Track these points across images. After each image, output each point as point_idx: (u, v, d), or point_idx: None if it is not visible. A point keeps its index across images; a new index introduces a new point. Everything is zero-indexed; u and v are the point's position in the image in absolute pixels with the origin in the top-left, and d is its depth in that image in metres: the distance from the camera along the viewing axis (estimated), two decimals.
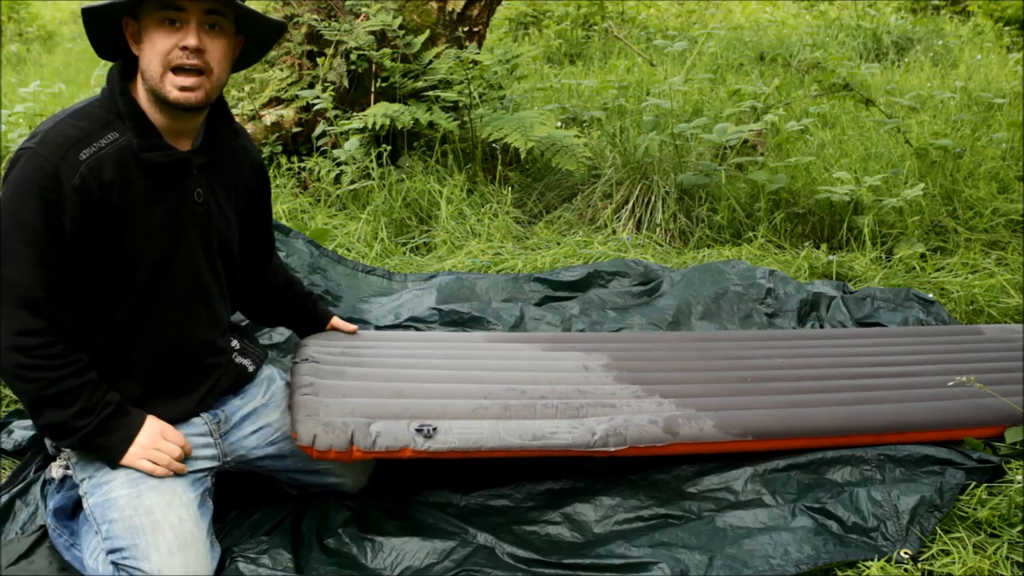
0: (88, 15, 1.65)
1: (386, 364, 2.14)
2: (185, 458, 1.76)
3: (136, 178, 1.65)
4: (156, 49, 1.62)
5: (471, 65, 3.99)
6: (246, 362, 1.95)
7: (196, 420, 1.83)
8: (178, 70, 1.62)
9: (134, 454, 1.68)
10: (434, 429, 1.82)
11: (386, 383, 2.02)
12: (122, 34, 1.68)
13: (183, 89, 1.63)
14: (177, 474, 1.73)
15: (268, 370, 2.03)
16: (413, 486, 2.02)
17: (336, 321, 2.29)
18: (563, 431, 1.88)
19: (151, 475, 1.68)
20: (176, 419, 1.79)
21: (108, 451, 1.68)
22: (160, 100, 1.65)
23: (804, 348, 2.50)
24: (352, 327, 2.30)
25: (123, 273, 1.68)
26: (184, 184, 1.72)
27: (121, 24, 1.67)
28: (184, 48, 1.61)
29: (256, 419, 1.91)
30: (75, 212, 1.59)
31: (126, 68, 1.70)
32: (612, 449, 1.89)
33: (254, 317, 2.22)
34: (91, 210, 1.61)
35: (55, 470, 1.79)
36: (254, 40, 1.79)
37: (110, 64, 1.73)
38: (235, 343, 1.96)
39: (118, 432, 1.68)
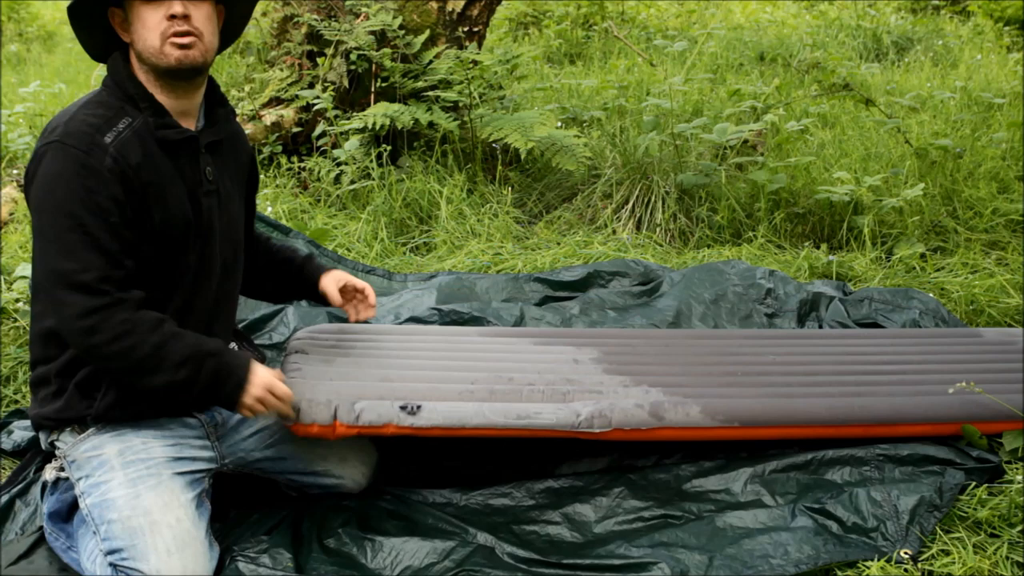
0: (74, 12, 1.70)
1: (375, 354, 2.14)
2: (183, 459, 1.76)
3: (158, 158, 1.70)
4: (148, 25, 1.67)
5: (471, 65, 3.99)
6: None
7: (192, 421, 1.82)
8: (172, 36, 1.67)
9: (242, 403, 1.71)
10: (418, 407, 1.83)
11: (374, 370, 2.02)
12: (110, 29, 1.73)
13: (182, 47, 1.67)
14: (177, 473, 1.73)
15: None
16: (413, 486, 2.02)
17: (335, 279, 2.06)
18: (548, 412, 1.88)
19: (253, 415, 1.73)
20: (174, 413, 1.79)
21: (228, 397, 1.70)
22: (163, 71, 1.69)
23: (798, 347, 2.49)
24: (362, 284, 2.08)
25: (150, 252, 1.70)
26: (196, 163, 1.76)
27: (107, 18, 1.72)
28: (172, 17, 1.66)
29: (254, 422, 1.90)
30: (113, 192, 1.62)
31: (126, 56, 1.75)
32: (596, 430, 1.88)
33: (251, 293, 2.18)
34: (126, 189, 1.64)
35: (49, 472, 1.79)
36: (234, 10, 1.85)
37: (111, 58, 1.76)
38: (233, 344, 1.97)
39: (232, 377, 1.69)
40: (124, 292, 1.63)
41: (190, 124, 1.78)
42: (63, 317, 1.61)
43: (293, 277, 2.10)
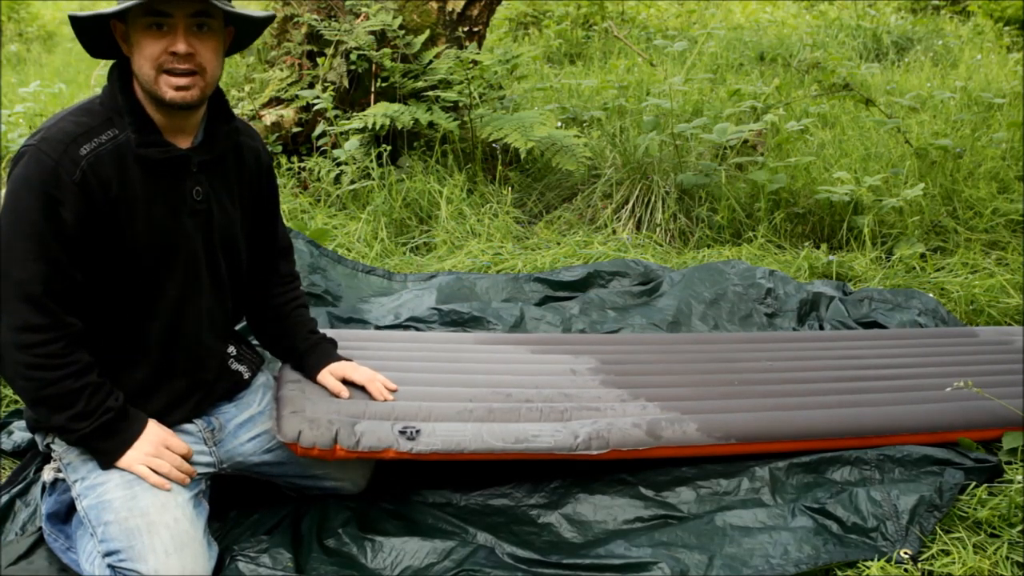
0: (76, 23, 1.66)
1: (375, 367, 2.12)
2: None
3: (135, 175, 1.66)
4: (146, 54, 1.62)
5: (471, 65, 3.99)
6: (242, 368, 1.94)
7: (189, 427, 1.82)
8: (171, 72, 1.63)
9: (133, 458, 1.68)
10: (417, 431, 1.84)
11: None
12: (112, 35, 1.68)
13: (178, 88, 1.63)
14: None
15: (264, 377, 2.02)
16: (413, 486, 2.02)
17: (335, 373, 1.97)
18: (546, 434, 1.89)
19: (147, 480, 1.67)
20: (170, 423, 1.78)
21: (104, 454, 1.68)
22: (157, 100, 1.66)
23: (794, 351, 2.50)
24: (362, 380, 1.98)
25: (123, 270, 1.68)
26: (183, 182, 1.72)
27: (109, 26, 1.67)
28: (174, 53, 1.61)
29: (252, 427, 1.90)
30: (77, 207, 1.60)
31: (125, 66, 1.70)
32: (594, 452, 1.89)
33: (258, 336, 2.14)
34: (92, 205, 1.61)
35: (47, 473, 1.78)
36: (244, 30, 1.78)
37: (110, 64, 1.73)
38: (231, 348, 1.95)
39: (116, 436, 1.68)
40: (66, 315, 1.62)
41: (186, 141, 1.74)
42: (1, 323, 1.59)
43: (292, 360, 2.04)
